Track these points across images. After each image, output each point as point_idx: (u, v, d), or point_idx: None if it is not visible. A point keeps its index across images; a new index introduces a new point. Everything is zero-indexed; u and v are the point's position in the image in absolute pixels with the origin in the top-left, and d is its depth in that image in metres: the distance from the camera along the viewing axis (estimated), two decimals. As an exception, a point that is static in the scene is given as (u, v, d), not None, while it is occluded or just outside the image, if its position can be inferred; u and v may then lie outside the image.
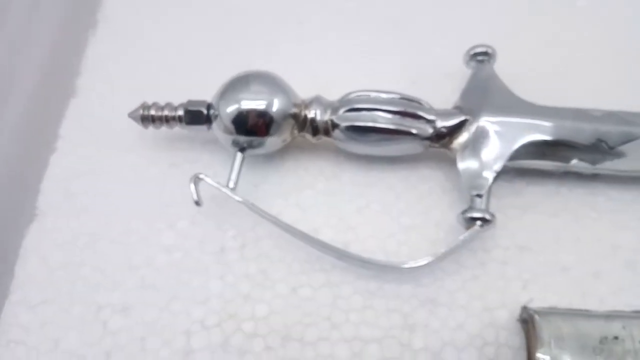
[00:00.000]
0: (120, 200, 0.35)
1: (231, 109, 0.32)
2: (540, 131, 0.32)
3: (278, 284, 0.32)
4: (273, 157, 0.36)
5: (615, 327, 0.27)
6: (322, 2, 0.42)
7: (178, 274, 0.33)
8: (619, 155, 0.32)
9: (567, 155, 0.33)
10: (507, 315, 0.30)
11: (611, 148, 0.31)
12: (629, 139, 0.31)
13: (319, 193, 0.35)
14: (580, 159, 0.33)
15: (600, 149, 0.31)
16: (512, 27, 0.40)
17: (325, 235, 0.33)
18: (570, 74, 0.38)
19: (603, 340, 0.27)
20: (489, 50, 0.35)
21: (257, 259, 0.33)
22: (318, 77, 0.38)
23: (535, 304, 0.30)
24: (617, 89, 0.36)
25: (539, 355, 0.27)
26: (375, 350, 0.30)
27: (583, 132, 0.31)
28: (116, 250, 0.33)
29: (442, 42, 0.39)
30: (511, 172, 0.34)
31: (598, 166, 0.33)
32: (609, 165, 0.33)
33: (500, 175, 0.33)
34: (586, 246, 0.32)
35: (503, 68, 0.35)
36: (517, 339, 0.29)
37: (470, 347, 0.30)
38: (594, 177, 0.34)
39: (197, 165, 0.36)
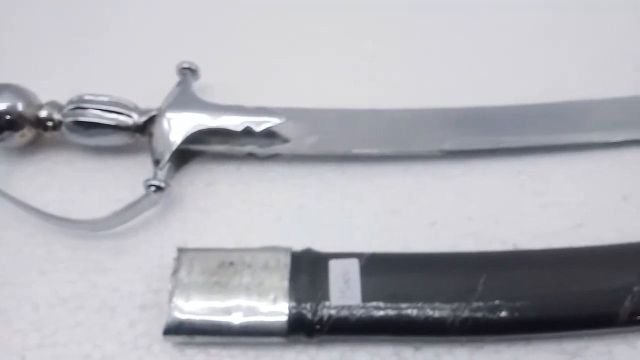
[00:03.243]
0: None
1: (-23, 112, 0.42)
2: (204, 122, 0.42)
3: (4, 246, 0.41)
4: (25, 152, 0.45)
5: (233, 256, 0.37)
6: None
7: None
8: (283, 140, 0.43)
9: (244, 142, 0.43)
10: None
11: (256, 133, 0.42)
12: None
13: (61, 178, 0.44)
14: (253, 144, 0.43)
15: (250, 134, 0.42)
16: (227, 45, 0.53)
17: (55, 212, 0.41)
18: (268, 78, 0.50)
19: (221, 265, 0.36)
20: (192, 66, 0.46)
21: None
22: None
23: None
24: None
25: (172, 278, 0.36)
26: (70, 286, 0.38)
27: (234, 121, 0.42)
28: None
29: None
30: (207, 156, 0.44)
31: (266, 149, 0.43)
32: (275, 149, 0.43)
33: (196, 160, 0.44)
34: (247, 205, 0.42)
35: (215, 76, 0.47)
36: (174, 273, 0.38)
37: (142, 281, 0.38)
38: (269, 158, 0.44)
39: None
